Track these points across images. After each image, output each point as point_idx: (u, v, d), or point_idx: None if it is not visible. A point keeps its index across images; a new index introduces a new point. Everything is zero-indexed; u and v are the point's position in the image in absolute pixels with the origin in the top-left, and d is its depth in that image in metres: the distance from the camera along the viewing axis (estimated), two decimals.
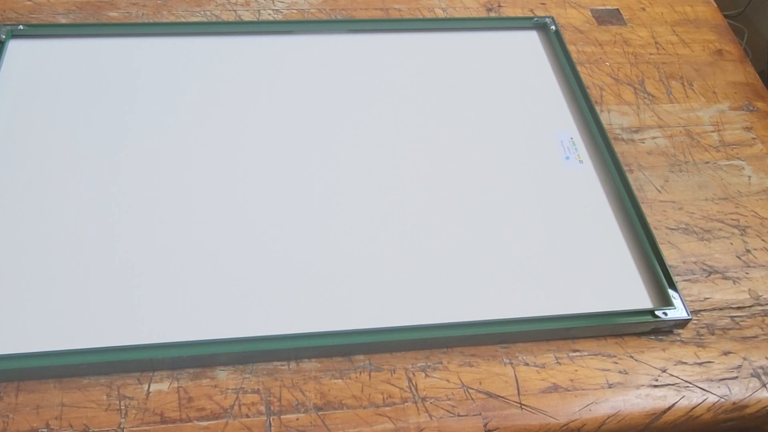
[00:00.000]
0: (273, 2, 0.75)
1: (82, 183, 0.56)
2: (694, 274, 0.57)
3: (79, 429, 0.45)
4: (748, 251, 0.59)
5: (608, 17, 0.79)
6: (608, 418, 0.48)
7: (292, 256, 0.53)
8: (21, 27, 0.67)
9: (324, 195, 0.57)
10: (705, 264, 0.58)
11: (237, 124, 0.62)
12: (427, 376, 0.49)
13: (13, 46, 0.66)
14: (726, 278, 0.57)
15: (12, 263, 0.51)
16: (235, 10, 0.73)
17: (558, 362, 0.50)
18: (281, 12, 0.74)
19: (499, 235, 0.56)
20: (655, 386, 0.50)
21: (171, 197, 0.56)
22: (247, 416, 0.46)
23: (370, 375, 0.49)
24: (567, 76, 0.69)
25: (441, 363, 0.49)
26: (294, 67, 0.67)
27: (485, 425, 0.47)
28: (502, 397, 0.48)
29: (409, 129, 0.63)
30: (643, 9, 0.81)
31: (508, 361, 0.50)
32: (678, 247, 0.58)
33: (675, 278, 0.55)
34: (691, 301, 0.55)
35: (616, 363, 0.51)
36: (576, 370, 0.50)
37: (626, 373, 0.50)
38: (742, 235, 0.60)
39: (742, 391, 0.51)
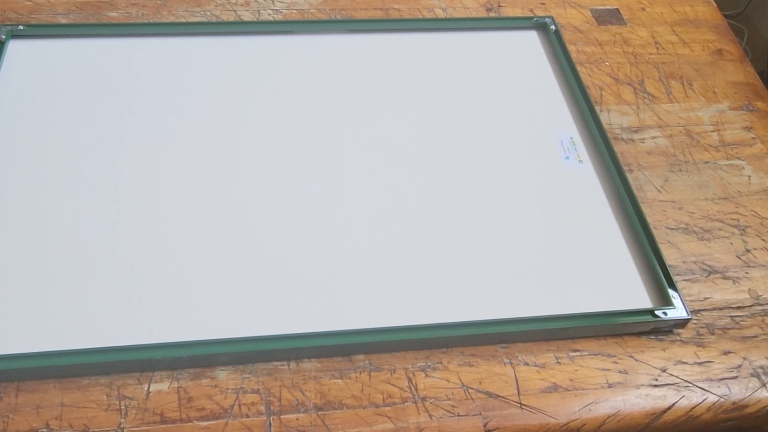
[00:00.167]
0: (273, 2, 0.75)
1: (82, 183, 0.56)
2: (693, 274, 0.57)
3: (79, 429, 0.45)
4: (748, 251, 0.59)
5: (608, 17, 0.79)
6: (608, 417, 0.48)
7: (292, 256, 0.53)
8: (21, 27, 0.67)
9: (324, 195, 0.57)
10: (705, 264, 0.58)
11: (237, 124, 0.62)
12: (427, 376, 0.49)
13: (13, 46, 0.66)
14: (726, 278, 0.57)
15: (12, 263, 0.51)
16: (235, 10, 0.73)
17: (558, 362, 0.50)
18: (281, 12, 0.74)
19: (499, 235, 0.56)
20: (655, 386, 0.50)
21: (171, 197, 0.56)
22: (247, 416, 0.46)
23: (370, 375, 0.49)
24: (567, 76, 0.69)
25: (441, 363, 0.49)
26: (294, 67, 0.67)
27: (485, 425, 0.47)
28: (502, 396, 0.48)
29: (408, 129, 0.63)
30: (643, 9, 0.81)
31: (507, 361, 0.50)
32: (678, 246, 0.58)
33: (675, 278, 0.55)
34: (691, 300, 0.55)
35: (616, 363, 0.51)
36: (576, 370, 0.50)
37: (626, 373, 0.50)
38: (741, 234, 0.60)
39: (742, 391, 0.51)
